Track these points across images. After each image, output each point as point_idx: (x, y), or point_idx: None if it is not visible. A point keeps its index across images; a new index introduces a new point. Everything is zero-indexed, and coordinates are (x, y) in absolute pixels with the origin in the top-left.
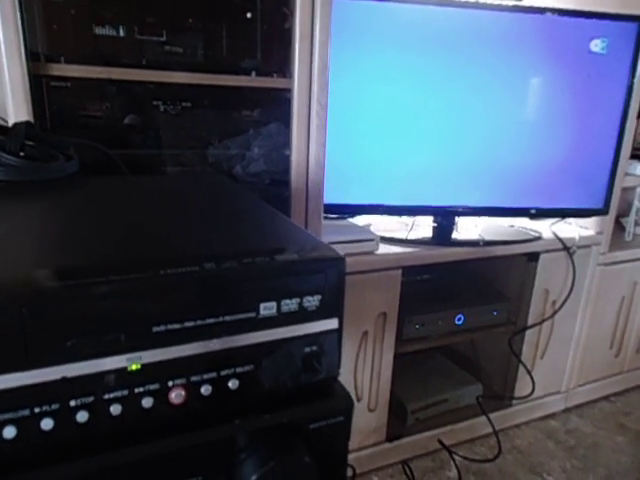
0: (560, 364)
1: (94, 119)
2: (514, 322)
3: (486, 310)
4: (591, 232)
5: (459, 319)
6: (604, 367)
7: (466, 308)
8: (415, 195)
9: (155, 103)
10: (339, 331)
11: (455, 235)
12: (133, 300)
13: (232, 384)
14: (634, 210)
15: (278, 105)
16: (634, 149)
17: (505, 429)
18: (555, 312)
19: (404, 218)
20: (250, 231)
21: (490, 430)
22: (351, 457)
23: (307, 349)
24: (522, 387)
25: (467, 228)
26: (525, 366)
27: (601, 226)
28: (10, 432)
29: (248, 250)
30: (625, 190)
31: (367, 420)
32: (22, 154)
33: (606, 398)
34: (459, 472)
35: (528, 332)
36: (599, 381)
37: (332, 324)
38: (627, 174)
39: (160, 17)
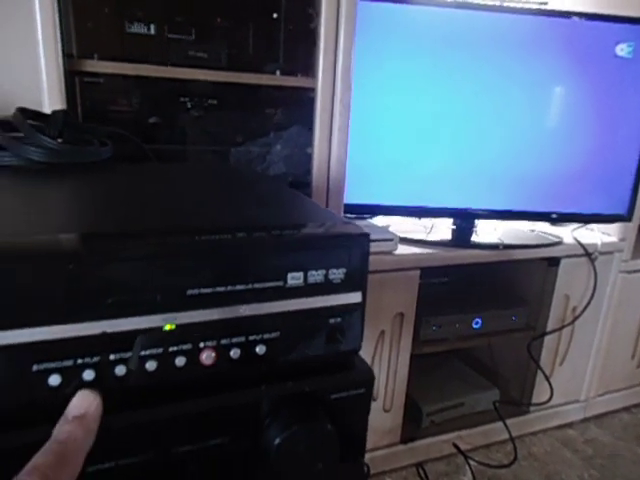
0: (580, 372)
1: (123, 114)
2: (533, 327)
3: (504, 314)
4: (613, 239)
5: (477, 323)
6: (625, 377)
7: (484, 312)
8: (435, 197)
9: (182, 100)
10: (362, 305)
11: (474, 238)
12: (170, 264)
13: (259, 349)
14: None
15: (301, 105)
16: None
17: (521, 436)
18: (575, 318)
19: (423, 220)
20: (278, 209)
21: (506, 436)
22: (365, 457)
23: (331, 320)
24: (540, 394)
25: (486, 231)
26: (543, 372)
27: (624, 233)
28: (55, 380)
29: (277, 224)
30: None
31: (382, 420)
32: (60, 140)
33: (626, 409)
34: (474, 477)
35: (547, 338)
36: (620, 391)
37: (356, 298)
38: None
39: (189, 17)
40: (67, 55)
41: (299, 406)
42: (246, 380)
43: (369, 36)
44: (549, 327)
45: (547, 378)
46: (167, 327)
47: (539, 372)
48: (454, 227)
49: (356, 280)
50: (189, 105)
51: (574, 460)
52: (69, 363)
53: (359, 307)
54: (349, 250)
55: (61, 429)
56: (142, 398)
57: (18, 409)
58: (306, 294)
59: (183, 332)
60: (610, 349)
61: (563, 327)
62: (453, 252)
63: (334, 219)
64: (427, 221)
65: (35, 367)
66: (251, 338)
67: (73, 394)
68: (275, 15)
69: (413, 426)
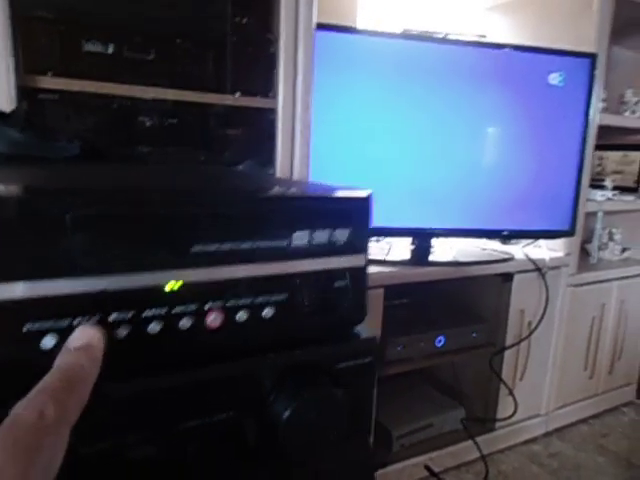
0: (539, 386)
1: (78, 133)
2: (493, 343)
3: (465, 332)
4: (560, 254)
5: (439, 341)
6: (579, 389)
7: (446, 329)
8: (394, 217)
9: (141, 119)
10: (365, 269)
11: (432, 257)
12: (174, 218)
13: (266, 312)
14: (597, 234)
15: (262, 125)
16: (592, 179)
17: (489, 454)
18: (531, 332)
19: (380, 243)
20: (276, 182)
21: (474, 456)
22: None
23: (337, 283)
24: (504, 409)
25: (443, 251)
26: (507, 386)
27: (569, 248)
28: (49, 342)
29: (282, 184)
30: (588, 216)
31: None
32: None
33: (584, 421)
34: None
35: (507, 353)
36: (576, 403)
37: (360, 260)
38: (589, 199)
39: (148, 36)
40: (20, 70)
41: (306, 377)
42: (252, 347)
43: (325, 63)
44: (508, 342)
45: (511, 392)
46: (171, 286)
47: (502, 388)
48: (413, 247)
49: (359, 242)
50: (148, 124)
51: (541, 475)
52: (64, 323)
53: (363, 270)
54: (352, 211)
55: (64, 358)
56: (144, 365)
57: (7, 375)
58: (311, 255)
59: (187, 292)
60: (564, 362)
61: (520, 341)
62: (414, 270)
63: (334, 186)
64: (384, 243)
65: (26, 327)
66: (257, 301)
67: None
68: (235, 39)
69: (384, 451)
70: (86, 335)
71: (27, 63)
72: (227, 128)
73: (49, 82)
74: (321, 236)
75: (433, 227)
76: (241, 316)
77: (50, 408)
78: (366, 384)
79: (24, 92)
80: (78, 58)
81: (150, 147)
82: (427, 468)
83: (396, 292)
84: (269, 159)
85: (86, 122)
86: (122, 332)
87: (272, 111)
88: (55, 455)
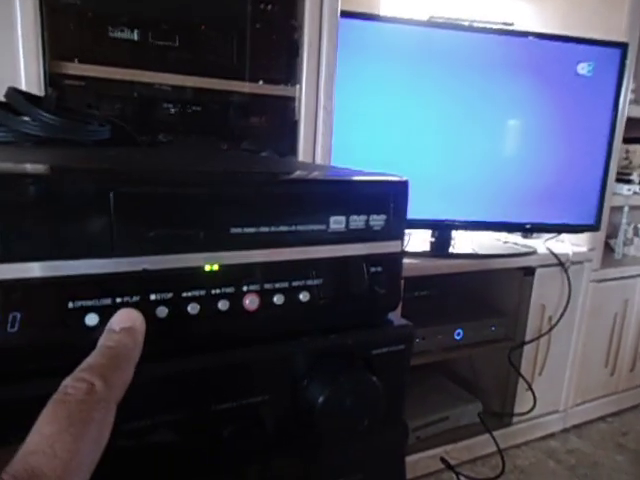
0: (558, 382)
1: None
2: (512, 338)
3: (484, 325)
4: (583, 249)
5: (458, 334)
6: (600, 386)
7: (465, 323)
8: (415, 209)
9: (165, 106)
10: (401, 256)
11: (452, 250)
12: (213, 199)
13: (303, 296)
14: (622, 229)
15: (284, 113)
16: (618, 173)
17: (506, 449)
18: (552, 328)
19: None
20: (312, 166)
21: (490, 450)
22: None
23: (372, 269)
24: (522, 404)
25: (463, 243)
26: (526, 380)
27: (592, 243)
28: (92, 320)
29: (316, 172)
30: (613, 210)
31: None
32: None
33: (602, 419)
34: None
35: (526, 348)
36: (596, 400)
37: (396, 246)
38: (615, 193)
39: (173, 24)
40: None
41: (341, 362)
42: (288, 330)
43: (347, 51)
44: (527, 337)
45: (530, 387)
46: (210, 267)
47: (520, 383)
48: (433, 239)
49: (396, 228)
50: (172, 111)
51: (558, 470)
52: (107, 301)
53: (399, 257)
54: (389, 196)
55: (109, 337)
56: (182, 345)
57: (53, 350)
58: (348, 240)
59: (226, 274)
60: (585, 358)
61: (541, 336)
62: (433, 262)
63: (370, 171)
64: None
65: (71, 304)
66: (294, 284)
67: None
68: (258, 25)
69: None
70: (129, 317)
71: (54, 49)
72: (249, 116)
73: (76, 68)
74: (358, 221)
75: (454, 219)
76: (278, 299)
77: (99, 384)
78: (400, 371)
79: (52, 78)
80: (104, 45)
81: (172, 134)
82: (443, 460)
83: (415, 284)
84: (291, 148)
85: (111, 109)
86: (162, 312)
87: (294, 99)
88: (103, 430)
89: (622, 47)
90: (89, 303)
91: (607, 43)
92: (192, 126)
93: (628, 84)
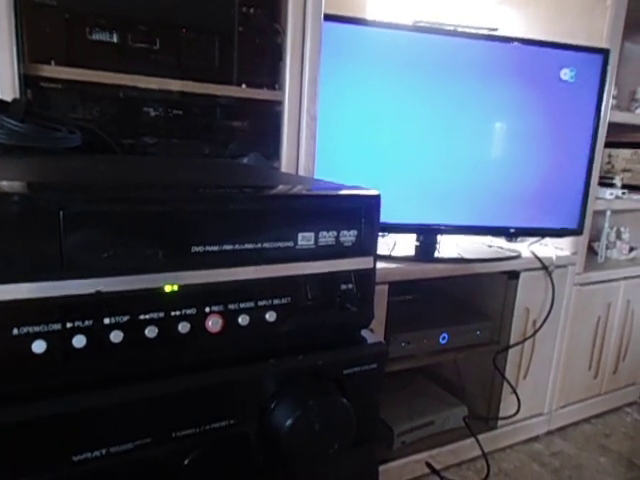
0: (542, 385)
1: (84, 122)
2: (497, 341)
3: (469, 329)
4: (567, 253)
5: (443, 338)
6: (583, 388)
7: (450, 327)
8: (400, 213)
9: (145, 110)
10: (373, 272)
11: (437, 254)
12: (173, 216)
13: (269, 316)
14: (605, 232)
15: (267, 117)
16: (601, 177)
17: (491, 452)
18: (536, 331)
19: (385, 239)
20: (283, 177)
21: (475, 454)
22: None
23: (343, 286)
24: (507, 408)
25: (448, 248)
26: (511, 384)
27: (575, 247)
28: (40, 347)
29: (286, 182)
30: (596, 214)
31: None
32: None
33: (586, 420)
34: None
35: (511, 352)
36: (579, 402)
37: (368, 262)
38: (597, 198)
39: (154, 26)
40: (23, 59)
41: (309, 383)
42: (254, 352)
43: (331, 55)
44: (512, 341)
45: (514, 390)
46: (169, 288)
47: (505, 386)
48: (417, 243)
49: (367, 244)
50: (153, 115)
51: (543, 473)
52: (56, 327)
53: (371, 273)
54: (361, 211)
55: None
56: (141, 371)
57: None
58: (317, 257)
59: (186, 294)
60: (569, 361)
61: (525, 340)
62: (419, 266)
63: (342, 185)
64: (388, 239)
65: (16, 331)
66: (261, 304)
67: (63, 362)
68: (241, 29)
69: (384, 448)
70: None
71: (31, 51)
72: (233, 120)
73: (53, 71)
74: (328, 237)
75: (439, 223)
76: (243, 319)
77: None
78: (372, 391)
79: (27, 81)
80: (82, 47)
81: (155, 138)
82: (428, 465)
83: (400, 288)
84: (275, 152)
85: (90, 112)
86: (117, 336)
87: (278, 103)
88: None
89: (604, 53)
90: (36, 329)
91: (589, 49)
92: (175, 130)
93: (610, 90)
